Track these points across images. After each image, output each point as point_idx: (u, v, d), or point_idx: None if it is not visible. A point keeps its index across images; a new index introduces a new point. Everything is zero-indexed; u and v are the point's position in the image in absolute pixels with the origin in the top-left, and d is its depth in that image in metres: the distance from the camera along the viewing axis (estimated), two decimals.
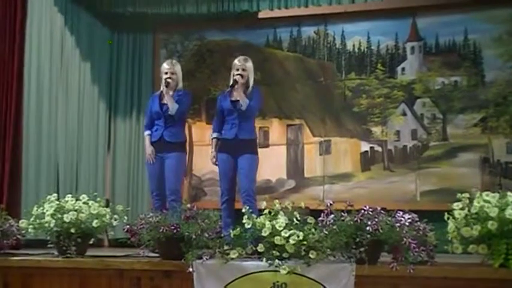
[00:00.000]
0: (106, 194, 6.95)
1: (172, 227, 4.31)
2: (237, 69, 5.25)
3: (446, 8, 6.65)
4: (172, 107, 5.38)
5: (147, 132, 5.53)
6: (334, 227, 4.06)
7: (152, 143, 5.46)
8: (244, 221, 4.20)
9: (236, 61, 5.29)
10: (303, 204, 4.30)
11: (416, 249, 4.00)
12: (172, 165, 5.37)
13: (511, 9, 6.50)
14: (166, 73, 5.47)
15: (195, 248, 4.27)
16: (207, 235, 4.33)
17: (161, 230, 4.32)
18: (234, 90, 5.26)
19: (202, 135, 7.21)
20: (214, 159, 5.35)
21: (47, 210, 4.73)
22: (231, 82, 5.26)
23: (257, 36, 7.34)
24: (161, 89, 5.52)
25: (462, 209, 3.99)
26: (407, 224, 4.06)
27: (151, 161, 5.44)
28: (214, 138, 5.41)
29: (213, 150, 5.39)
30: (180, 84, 5.53)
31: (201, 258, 4.19)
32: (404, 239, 3.99)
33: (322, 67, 7.19)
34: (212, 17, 6.92)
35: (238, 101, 5.22)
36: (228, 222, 5.01)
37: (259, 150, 5.39)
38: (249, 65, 5.28)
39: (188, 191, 7.22)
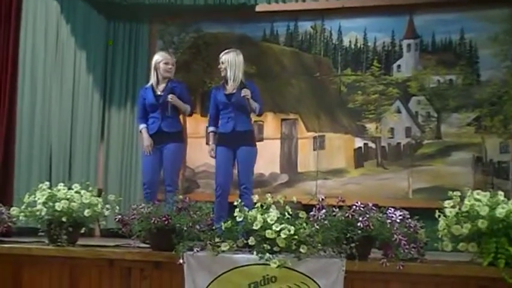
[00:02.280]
0: (98, 183, 6.94)
1: (164, 218, 4.31)
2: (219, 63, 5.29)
3: (443, 6, 6.66)
4: (186, 108, 5.47)
5: (143, 125, 5.52)
6: (326, 222, 4.06)
7: (150, 136, 5.46)
8: (235, 214, 4.20)
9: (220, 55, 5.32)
10: (295, 199, 4.31)
11: (407, 246, 4.01)
12: (170, 156, 5.40)
13: (507, 9, 6.53)
14: (167, 63, 5.46)
15: (186, 239, 4.27)
16: (198, 227, 4.33)
17: (152, 221, 4.31)
18: (227, 84, 5.29)
19: (196, 128, 7.22)
20: (212, 152, 5.37)
21: (38, 199, 4.72)
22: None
23: (254, 30, 7.34)
24: (152, 80, 5.52)
25: (453, 207, 4.01)
26: (398, 220, 4.06)
27: (148, 153, 5.43)
28: (211, 132, 5.42)
29: (210, 143, 5.42)
30: (172, 76, 5.55)
31: (191, 250, 4.19)
32: (395, 236, 4.00)
33: (318, 62, 7.19)
34: (209, 9, 6.90)
35: (233, 94, 5.24)
36: (221, 215, 5.01)
37: None
38: (226, 57, 5.28)
39: (181, 183, 7.22)
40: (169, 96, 5.36)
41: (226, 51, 5.34)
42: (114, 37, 7.44)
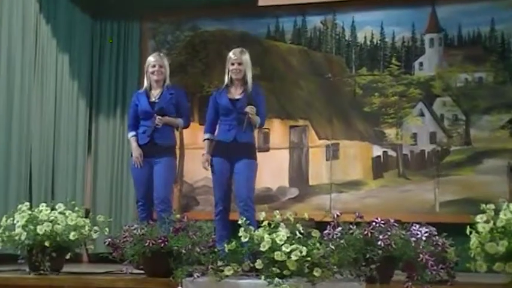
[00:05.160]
0: (86, 202, 6.96)
1: (160, 240, 4.31)
2: (232, 64, 5.28)
3: None
4: (178, 124, 5.50)
5: (132, 134, 5.54)
6: (342, 241, 4.06)
7: (140, 146, 5.46)
8: (240, 233, 4.19)
9: (231, 54, 5.31)
10: (306, 216, 4.29)
11: (434, 267, 3.99)
12: (162, 171, 5.39)
13: None
14: (154, 66, 5.49)
15: (185, 264, 4.27)
16: (198, 249, 4.33)
17: (147, 244, 4.31)
18: (232, 87, 5.30)
19: (194, 138, 7.20)
20: (206, 163, 5.35)
21: (17, 221, 4.71)
22: (226, 78, 5.32)
23: (257, 26, 7.36)
24: (145, 85, 5.55)
25: (487, 222, 3.97)
26: (424, 238, 4.07)
27: (139, 165, 5.43)
28: (206, 139, 5.41)
29: (205, 153, 5.39)
30: (168, 80, 5.54)
31: (191, 275, 4.17)
32: (421, 256, 3.99)
33: (330, 61, 7.20)
34: (206, 5, 6.94)
35: (238, 99, 5.24)
36: (223, 235, 5.01)
37: (258, 154, 5.39)
38: (246, 57, 5.30)
39: (179, 199, 7.22)
40: (157, 120, 5.37)
41: (239, 50, 5.34)
42: (100, 37, 7.47)
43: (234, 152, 5.21)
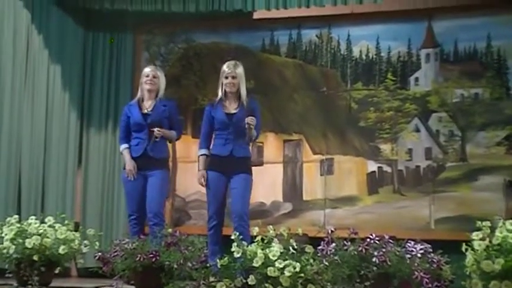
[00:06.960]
0: (76, 216, 6.93)
1: (151, 255, 4.30)
2: (226, 77, 5.28)
3: (467, 10, 6.67)
4: (172, 136, 5.53)
5: (125, 146, 5.53)
6: (336, 257, 4.06)
7: (133, 159, 5.46)
8: (233, 249, 4.18)
9: (225, 67, 5.32)
10: (300, 231, 4.30)
11: (429, 285, 4.00)
12: (157, 184, 5.39)
13: None
14: (147, 76, 5.51)
15: (176, 279, 4.28)
16: (190, 264, 4.33)
17: (138, 258, 4.31)
18: (226, 101, 5.30)
19: (187, 151, 7.19)
20: (202, 179, 5.34)
21: (6, 234, 4.71)
22: (220, 91, 5.33)
23: (252, 39, 7.36)
24: (138, 96, 5.57)
25: (483, 239, 3.98)
26: (419, 255, 4.08)
27: (132, 178, 5.43)
28: (202, 155, 5.40)
29: (200, 168, 5.38)
30: (161, 93, 5.55)
31: None
32: (416, 273, 3.99)
33: (325, 75, 7.20)
34: (201, 17, 6.94)
35: (234, 113, 5.23)
36: (215, 250, 5.00)
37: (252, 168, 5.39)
38: (240, 71, 5.30)
39: (170, 214, 7.19)
40: (156, 130, 5.38)
41: (233, 62, 5.35)
42: (93, 49, 7.45)
43: (231, 167, 5.21)
